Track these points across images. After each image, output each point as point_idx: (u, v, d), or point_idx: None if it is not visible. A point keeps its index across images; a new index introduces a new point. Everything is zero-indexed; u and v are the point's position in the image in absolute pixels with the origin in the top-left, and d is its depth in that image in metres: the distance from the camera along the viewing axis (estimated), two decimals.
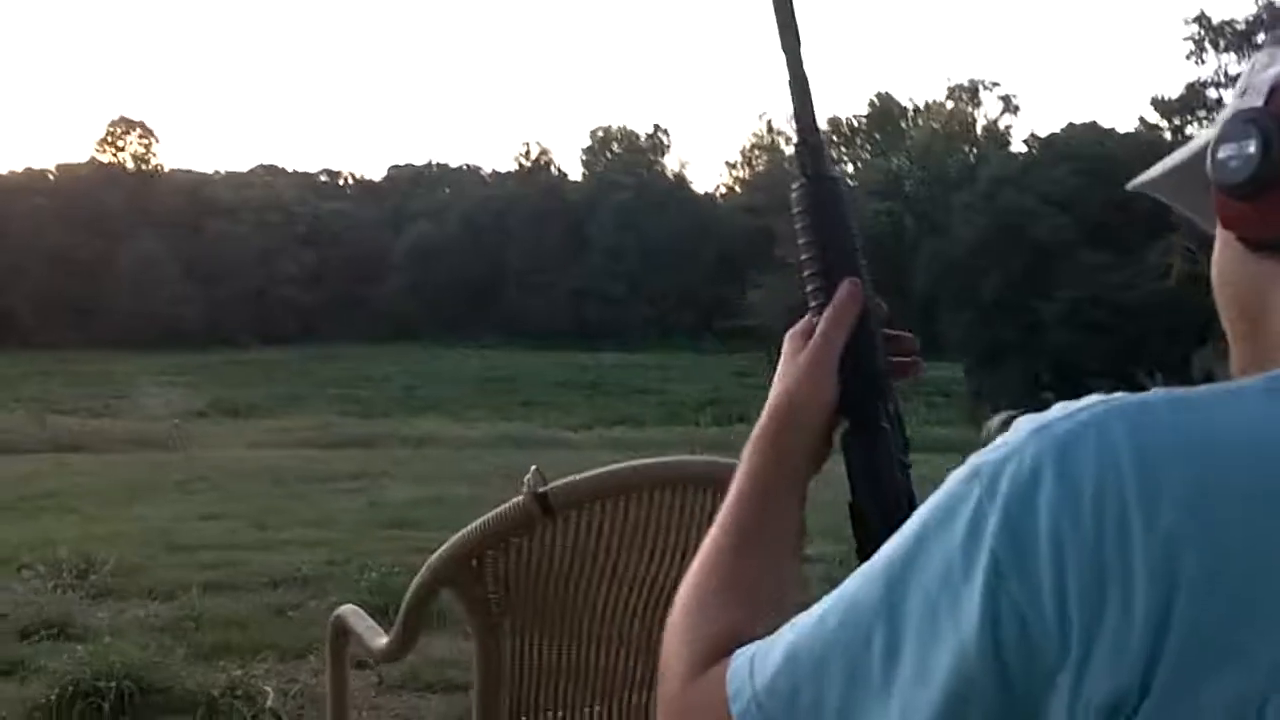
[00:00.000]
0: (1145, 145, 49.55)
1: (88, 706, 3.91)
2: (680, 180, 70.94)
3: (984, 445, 0.82)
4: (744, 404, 36.43)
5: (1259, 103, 0.81)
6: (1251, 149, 0.80)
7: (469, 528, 1.83)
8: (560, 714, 1.99)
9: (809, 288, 1.13)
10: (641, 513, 1.86)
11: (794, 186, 1.12)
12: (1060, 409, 0.73)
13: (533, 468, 1.83)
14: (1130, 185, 1.05)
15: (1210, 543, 0.66)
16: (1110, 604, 0.66)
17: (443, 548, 1.84)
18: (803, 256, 1.13)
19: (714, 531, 0.99)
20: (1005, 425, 1.02)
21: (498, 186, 70.20)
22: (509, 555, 1.84)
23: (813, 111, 1.10)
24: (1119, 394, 0.73)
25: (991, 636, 0.68)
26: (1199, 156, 0.90)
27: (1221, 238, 0.88)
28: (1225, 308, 0.90)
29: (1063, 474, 0.68)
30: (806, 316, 1.07)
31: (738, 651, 0.84)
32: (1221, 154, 0.82)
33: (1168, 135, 48.05)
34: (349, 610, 2.30)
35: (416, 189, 71.56)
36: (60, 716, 3.88)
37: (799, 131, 1.11)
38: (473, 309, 60.94)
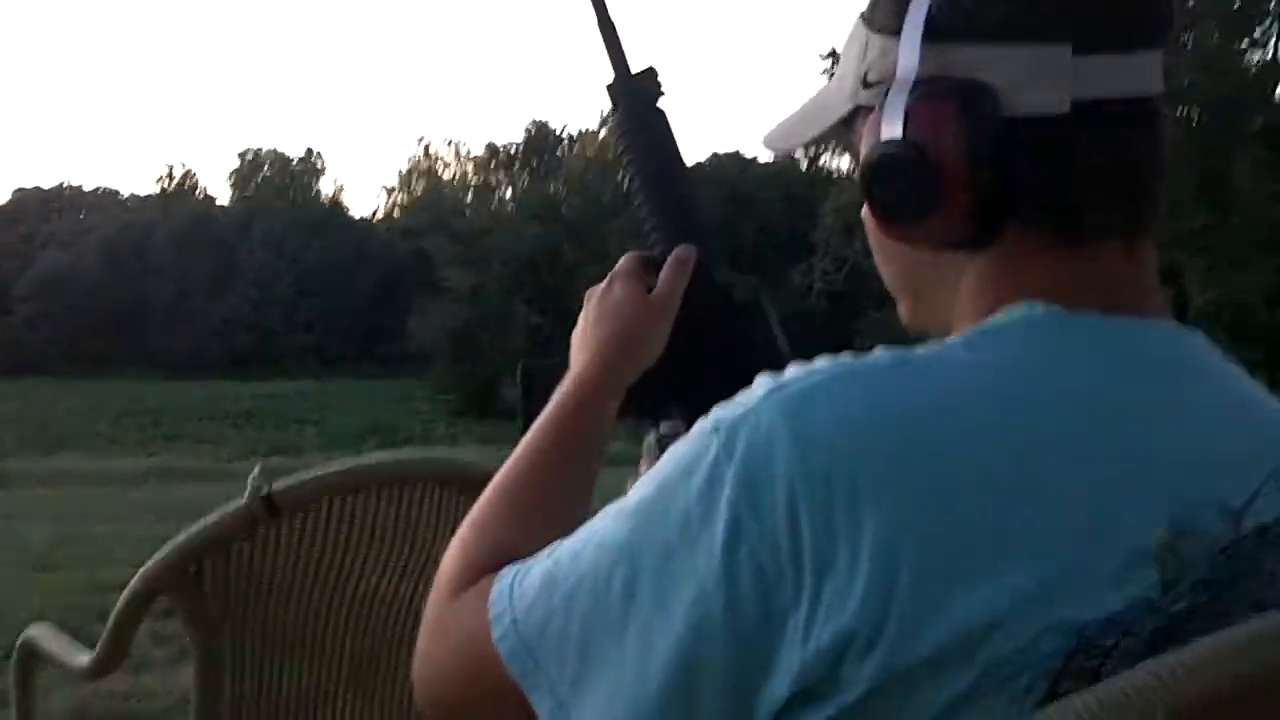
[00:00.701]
0: (783, 172, 52.45)
1: None
2: (336, 204, 69.59)
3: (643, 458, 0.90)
4: (407, 429, 36.09)
5: (898, 134, 0.84)
6: (902, 186, 0.84)
7: (187, 532, 1.74)
8: None
9: (648, 228, 1.17)
10: (369, 510, 1.83)
11: (616, 128, 1.16)
12: (795, 370, 0.78)
13: (257, 467, 1.78)
14: (765, 141, 1.08)
15: (932, 491, 0.72)
16: (840, 555, 0.70)
17: (159, 554, 1.75)
18: (637, 197, 1.17)
19: (508, 463, 1.02)
20: (660, 441, 1.11)
21: (138, 211, 66.71)
22: (229, 560, 1.77)
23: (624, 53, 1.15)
24: (847, 355, 0.79)
25: (725, 587, 0.72)
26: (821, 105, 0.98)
27: (876, 241, 0.93)
28: (888, 281, 0.97)
29: (796, 433, 0.73)
30: (605, 280, 1.12)
31: (502, 572, 0.87)
32: (874, 187, 0.86)
33: (803, 165, 51.00)
34: (39, 630, 2.15)
35: (46, 214, 67.04)
36: None
37: (615, 69, 1.15)
38: (111, 341, 57.50)
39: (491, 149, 64.22)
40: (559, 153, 66.04)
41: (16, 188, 73.20)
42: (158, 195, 68.66)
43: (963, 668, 0.70)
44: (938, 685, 0.71)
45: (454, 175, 72.40)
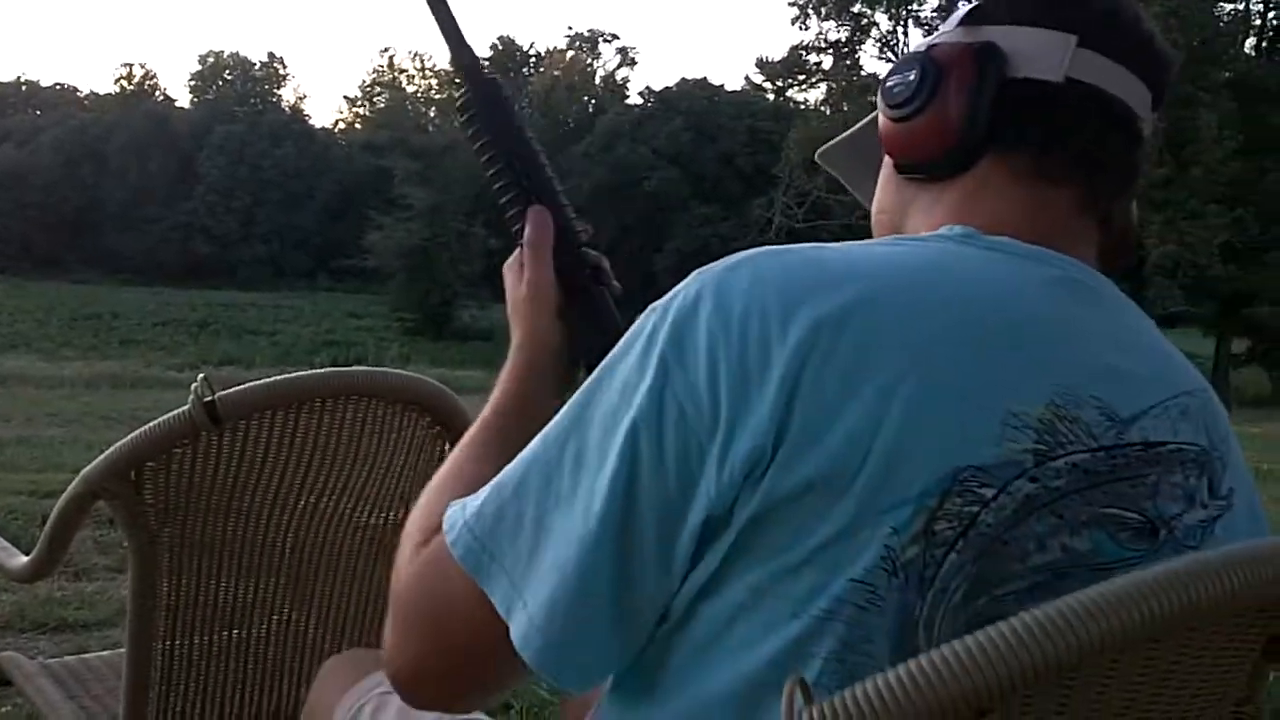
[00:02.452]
0: (750, 104, 52.15)
1: None
2: (298, 113, 68.55)
3: None
4: (360, 346, 35.87)
5: (924, 48, 1.03)
6: (911, 77, 1.02)
7: (129, 437, 1.73)
8: (216, 634, 1.94)
9: (503, 202, 1.20)
10: (314, 424, 1.82)
11: (460, 106, 1.20)
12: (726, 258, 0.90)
13: (200, 375, 1.76)
14: (818, 154, 1.28)
15: (833, 333, 0.82)
16: (751, 393, 0.81)
17: (100, 457, 1.73)
18: (490, 175, 1.20)
19: (453, 455, 1.10)
20: None
21: (96, 110, 65.47)
22: (170, 466, 1.76)
23: (459, 30, 1.20)
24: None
25: (655, 425, 0.83)
26: (867, 128, 1.15)
27: (883, 177, 1.10)
28: (876, 231, 1.10)
29: (719, 295, 0.85)
30: (517, 249, 1.21)
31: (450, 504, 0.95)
32: (889, 82, 1.04)
33: (770, 96, 50.70)
34: None
35: (2, 109, 65.73)
36: None
37: (451, 51, 1.21)
38: (66, 242, 56.65)
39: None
40: (526, 71, 65.37)
41: None
42: (116, 94, 67.37)
43: (842, 496, 0.80)
44: (819, 514, 0.80)
45: (417, 89, 71.55)
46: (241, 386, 1.77)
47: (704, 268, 0.89)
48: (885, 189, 1.09)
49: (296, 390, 1.81)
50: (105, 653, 2.24)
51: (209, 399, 1.71)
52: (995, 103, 0.97)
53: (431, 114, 66.73)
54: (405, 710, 1.34)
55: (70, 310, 41.11)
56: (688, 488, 0.82)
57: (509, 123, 1.21)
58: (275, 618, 2.00)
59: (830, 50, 40.35)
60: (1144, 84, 1.01)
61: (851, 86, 38.14)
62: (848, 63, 40.19)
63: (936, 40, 1.03)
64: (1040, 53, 0.98)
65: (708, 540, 0.83)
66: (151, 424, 1.73)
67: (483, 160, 1.20)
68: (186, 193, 57.96)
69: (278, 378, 1.82)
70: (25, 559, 1.94)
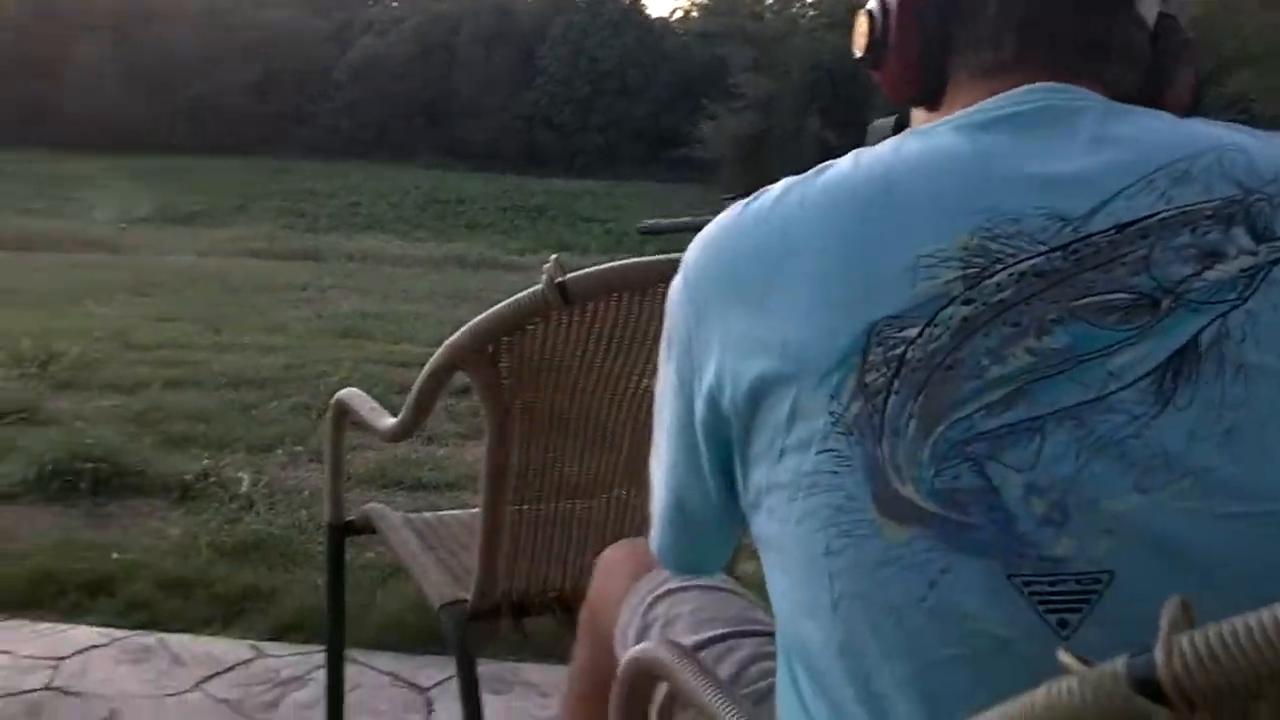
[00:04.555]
0: None
1: (64, 485, 3.98)
2: (636, 4, 69.33)
3: None
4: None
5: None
6: (863, 28, 1.10)
7: (488, 312, 1.85)
8: (559, 503, 2.06)
9: None
10: (656, 310, 1.88)
11: None
12: None
13: (553, 257, 1.86)
14: None
15: (748, 262, 0.97)
16: (703, 341, 0.98)
17: (463, 329, 1.86)
18: None
19: None
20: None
21: (447, 1, 68.27)
22: (524, 341, 1.88)
23: None
24: None
25: (673, 381, 1.04)
26: None
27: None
28: None
29: (682, 266, 1.03)
30: None
31: None
32: (855, 45, 1.13)
33: None
34: (350, 393, 2.34)
35: (362, 1, 69.44)
36: (40, 491, 3.95)
37: None
38: (418, 129, 59.74)
39: None
40: None
41: None
42: None
43: (787, 387, 0.90)
44: (776, 410, 0.91)
45: None
46: (591, 269, 1.85)
47: None
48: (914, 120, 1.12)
49: (642, 275, 1.87)
50: (458, 511, 2.43)
51: (560, 280, 1.81)
52: (941, 18, 1.03)
53: (768, 0, 66.13)
54: (700, 607, 1.41)
55: (422, 195, 43.51)
56: (689, 425, 1.03)
57: None
58: (612, 493, 2.11)
59: None
60: None
61: None
62: None
63: None
64: None
65: (729, 460, 1.00)
66: (507, 301, 1.84)
67: None
68: (528, 83, 59.90)
69: (626, 261, 1.90)
70: (393, 420, 2.12)
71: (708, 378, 0.97)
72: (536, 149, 58.52)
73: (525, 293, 1.84)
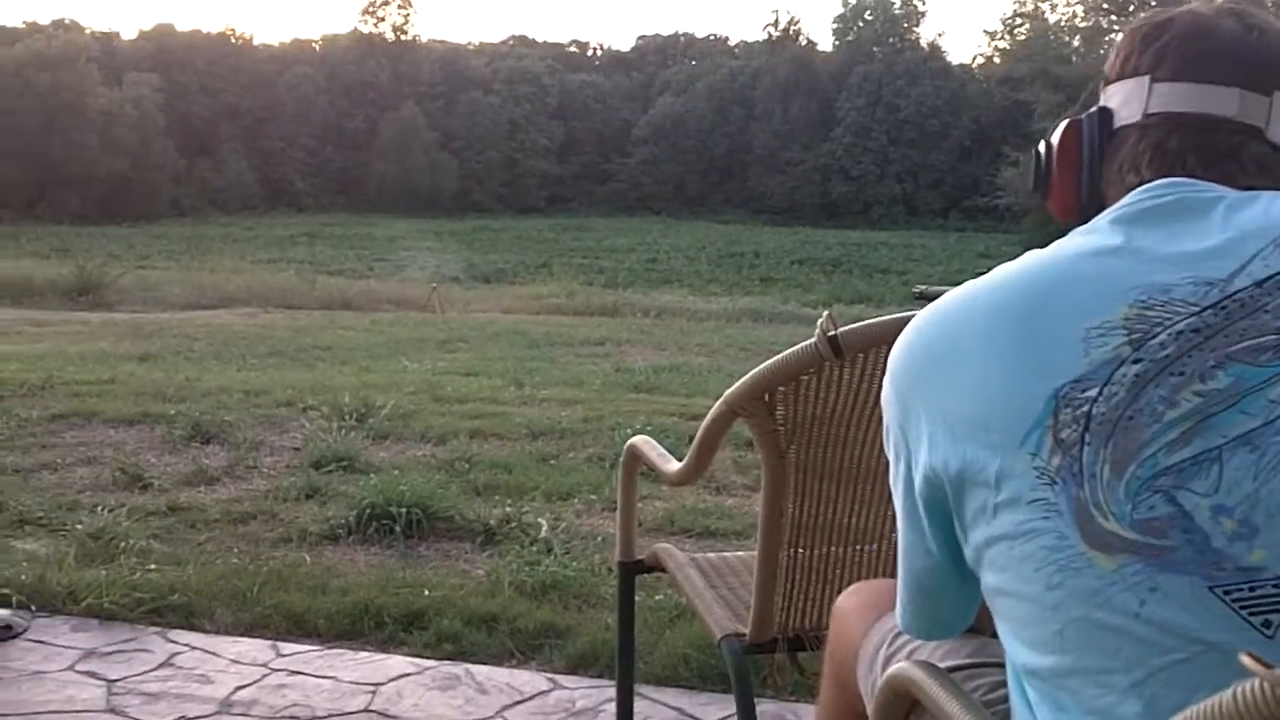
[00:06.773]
0: None
1: (381, 527, 4.31)
2: (935, 51, 68.51)
3: None
4: None
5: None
6: (1032, 165, 1.30)
7: (765, 364, 1.94)
8: (832, 547, 2.13)
9: None
10: None
11: None
12: None
13: (825, 312, 1.94)
14: None
15: (939, 359, 1.14)
16: (912, 425, 1.15)
17: (741, 380, 1.97)
18: None
19: None
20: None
21: (745, 57, 69.31)
22: (798, 392, 1.96)
23: None
24: None
25: (895, 458, 1.21)
26: None
27: None
28: None
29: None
30: None
31: None
32: (1027, 179, 1.34)
33: None
34: (642, 439, 2.48)
35: (663, 60, 71.37)
36: (359, 533, 4.30)
37: None
38: (714, 184, 60.74)
39: None
40: None
41: (639, 35, 78.06)
42: (763, 41, 70.84)
43: (989, 450, 1.04)
44: (980, 470, 1.05)
45: (1061, 18, 68.93)
46: (861, 323, 1.92)
47: None
48: None
49: None
50: (741, 553, 2.52)
51: (832, 333, 1.89)
52: (1100, 159, 1.21)
53: (1075, 43, 64.07)
54: (941, 642, 1.45)
55: (717, 249, 44.23)
56: (914, 504, 1.19)
57: None
58: (882, 540, 2.16)
59: None
60: (1235, 86, 1.15)
61: None
62: None
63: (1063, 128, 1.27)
64: (1126, 101, 1.20)
65: (950, 527, 1.14)
66: (783, 354, 1.94)
67: None
68: (825, 134, 60.06)
69: (896, 314, 1.96)
70: (678, 465, 2.24)
71: (922, 457, 1.12)
72: (832, 200, 58.49)
73: (799, 345, 1.92)
